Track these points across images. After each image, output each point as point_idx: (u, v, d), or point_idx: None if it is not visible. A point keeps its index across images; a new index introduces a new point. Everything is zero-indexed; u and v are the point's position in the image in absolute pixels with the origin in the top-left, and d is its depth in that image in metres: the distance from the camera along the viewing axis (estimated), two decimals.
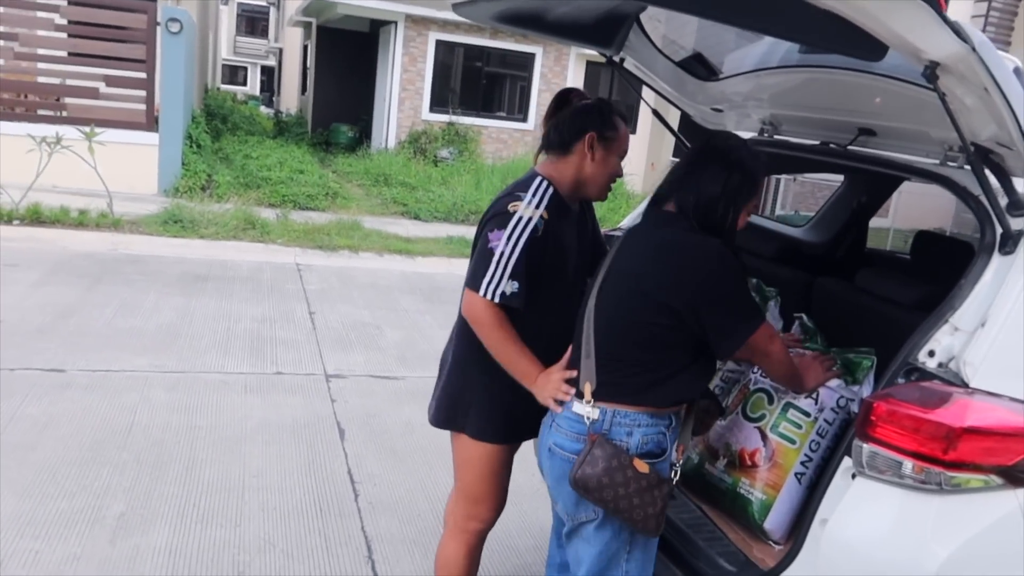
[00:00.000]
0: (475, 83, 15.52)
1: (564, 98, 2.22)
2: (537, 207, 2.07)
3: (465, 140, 14.71)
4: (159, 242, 7.66)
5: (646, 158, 15.93)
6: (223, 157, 12.52)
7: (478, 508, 2.33)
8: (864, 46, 1.57)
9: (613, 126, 2.13)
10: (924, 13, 1.38)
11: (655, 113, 2.94)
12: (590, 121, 2.12)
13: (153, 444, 3.65)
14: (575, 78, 15.67)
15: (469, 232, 9.95)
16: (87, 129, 8.19)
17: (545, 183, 2.13)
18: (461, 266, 8.65)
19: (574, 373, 1.94)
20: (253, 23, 39.81)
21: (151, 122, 9.85)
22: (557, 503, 2.01)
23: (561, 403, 1.93)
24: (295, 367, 4.83)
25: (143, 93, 9.82)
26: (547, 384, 2.01)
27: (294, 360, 4.95)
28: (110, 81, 9.79)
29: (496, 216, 2.08)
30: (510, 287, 2.02)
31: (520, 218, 2.04)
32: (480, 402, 2.21)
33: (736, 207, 1.90)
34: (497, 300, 2.02)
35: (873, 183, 3.36)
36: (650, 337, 1.84)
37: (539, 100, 15.55)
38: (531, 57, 15.56)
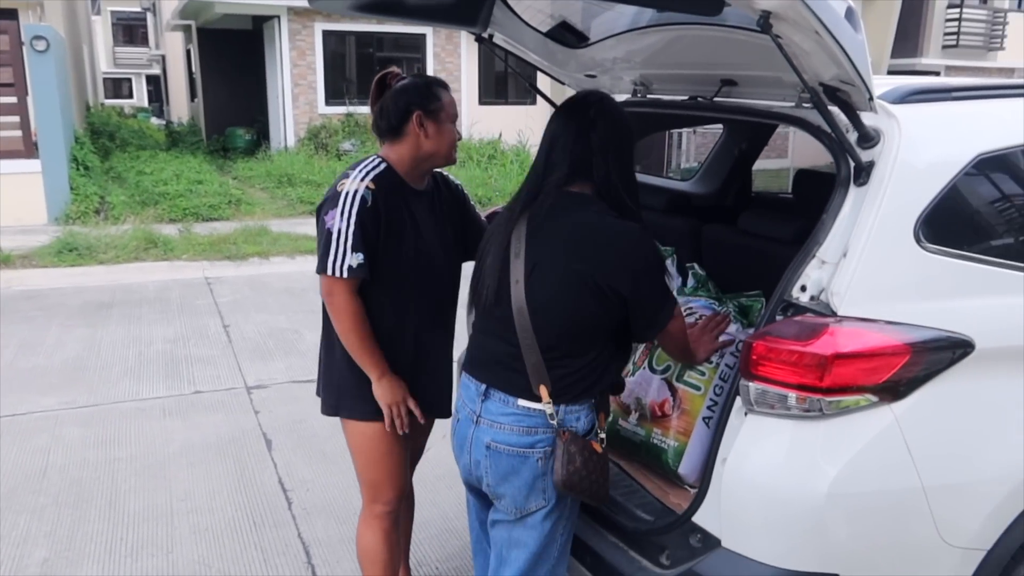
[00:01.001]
0: (369, 70, 15.28)
1: (383, 82, 2.27)
2: (362, 180, 2.13)
3: (366, 130, 14.50)
4: (55, 273, 7.35)
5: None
6: (115, 176, 12.03)
7: (378, 492, 2.34)
8: (701, 2, 1.63)
9: (436, 97, 2.20)
10: None
11: (531, 85, 2.97)
12: (413, 100, 2.17)
13: (71, 483, 3.54)
14: (468, 56, 15.63)
15: None
16: None
17: (376, 160, 2.20)
18: None
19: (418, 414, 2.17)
20: (131, 31, 38.07)
21: (30, 148, 9.39)
22: (502, 499, 1.93)
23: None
24: (214, 384, 4.73)
25: (16, 119, 9.35)
26: (392, 395, 2.17)
27: (212, 377, 4.84)
28: None
29: (328, 199, 2.14)
30: (355, 259, 2.08)
31: (347, 192, 2.10)
32: (347, 382, 2.25)
33: (621, 159, 1.88)
34: (346, 275, 2.07)
35: (749, 130, 3.47)
36: (588, 327, 1.84)
37: None
38: (422, 38, 15.42)
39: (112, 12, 37.17)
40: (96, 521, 3.24)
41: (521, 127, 14.90)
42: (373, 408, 2.22)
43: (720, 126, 3.85)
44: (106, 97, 29.39)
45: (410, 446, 2.41)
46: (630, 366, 2.49)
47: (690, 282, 2.58)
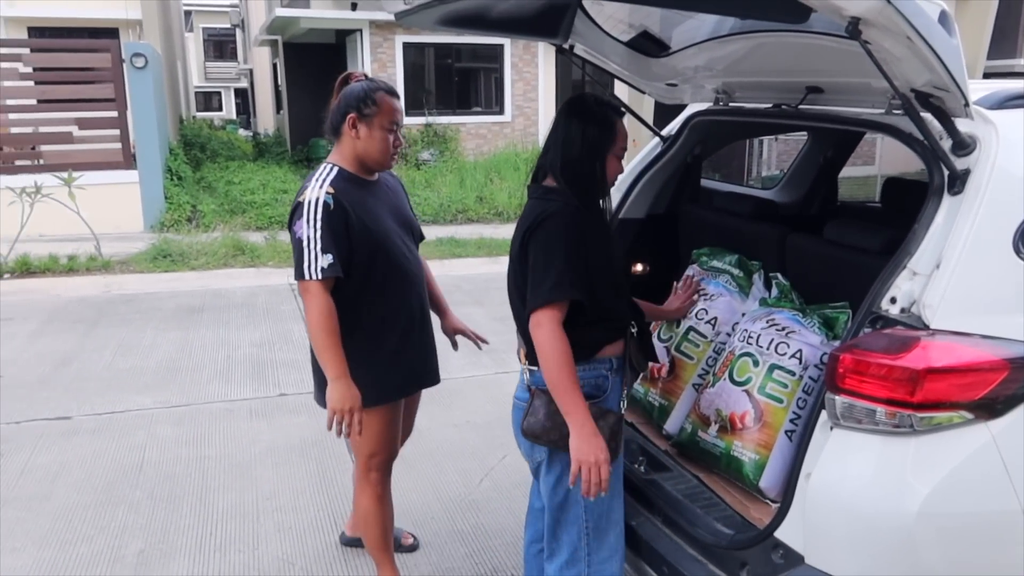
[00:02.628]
0: (448, 81, 15.54)
1: (345, 82, 2.47)
2: (320, 187, 2.31)
3: (445, 139, 14.73)
4: (151, 279, 7.71)
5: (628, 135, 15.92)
6: (205, 186, 12.54)
7: (372, 462, 2.60)
8: (787, 9, 1.61)
9: (373, 103, 2.36)
10: None
11: (611, 96, 2.97)
12: (350, 104, 2.37)
13: (165, 479, 3.71)
14: (546, 65, 15.69)
15: (459, 232, 10.00)
16: (65, 175, 8.23)
17: (328, 167, 2.40)
18: (454, 267, 8.71)
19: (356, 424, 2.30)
20: (221, 47, 39.70)
21: (129, 160, 9.89)
22: (520, 448, 2.21)
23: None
24: (298, 387, 4.88)
25: (117, 132, 9.86)
26: (345, 400, 2.29)
27: (296, 380, 5.00)
28: (82, 123, 9.83)
29: (294, 211, 2.33)
30: (325, 261, 2.25)
31: (309, 201, 2.28)
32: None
33: (600, 156, 2.05)
34: (319, 276, 2.25)
35: (835, 137, 3.39)
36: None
37: (513, 91, 15.57)
38: (500, 49, 15.56)
39: (204, 28, 38.84)
40: (187, 516, 3.39)
41: None
42: (366, 394, 2.38)
43: (804, 134, 3.77)
44: (197, 110, 30.68)
45: (402, 421, 2.68)
46: (710, 376, 2.47)
47: (774, 292, 2.54)
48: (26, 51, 10.15)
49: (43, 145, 9.77)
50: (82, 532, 3.26)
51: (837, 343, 2.26)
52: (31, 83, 9.97)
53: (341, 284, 2.34)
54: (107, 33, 12.63)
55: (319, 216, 2.27)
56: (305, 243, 2.26)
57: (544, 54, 15.73)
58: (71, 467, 3.80)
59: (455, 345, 2.94)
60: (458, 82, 15.64)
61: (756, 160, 15.10)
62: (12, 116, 9.74)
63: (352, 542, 3.16)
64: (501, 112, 15.70)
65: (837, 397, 1.70)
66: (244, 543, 3.19)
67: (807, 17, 1.69)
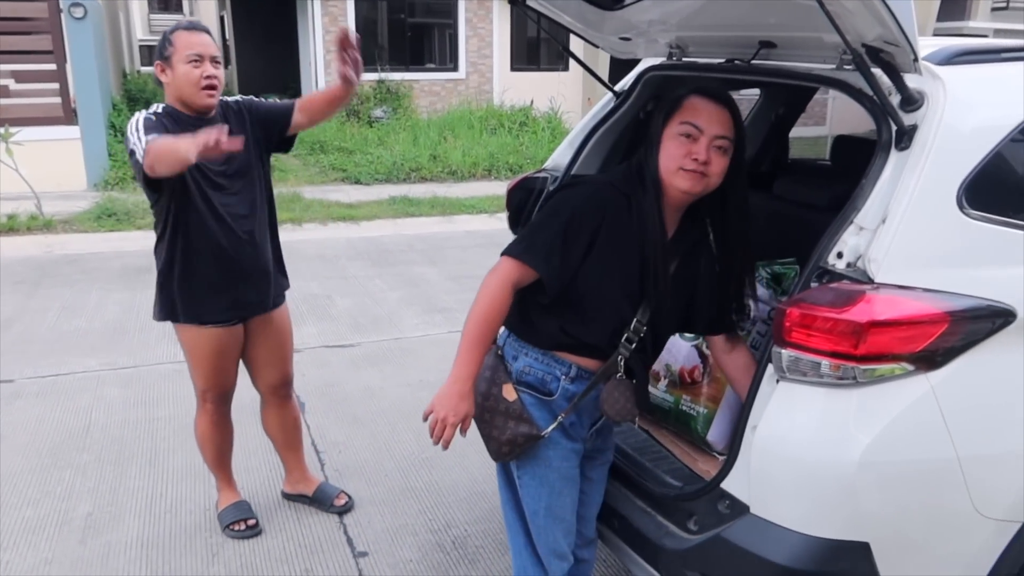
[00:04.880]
0: (401, 37, 15.20)
1: None
2: (141, 113, 2.46)
3: (398, 97, 14.46)
4: (95, 238, 7.48)
5: (582, 94, 15.84)
6: None
7: (205, 392, 2.82)
8: None
9: (169, 43, 2.50)
10: None
11: (564, 49, 2.93)
12: (156, 53, 2.54)
13: (113, 442, 3.64)
14: (501, 21, 15.44)
15: (412, 191, 9.88)
16: (1, 130, 7.89)
17: (156, 105, 2.55)
18: (407, 226, 8.63)
19: None
20: None
21: (69, 115, 9.51)
22: None
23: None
24: None
25: (56, 86, 9.45)
26: None
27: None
28: (19, 76, 9.41)
29: (126, 143, 2.44)
30: (149, 138, 2.30)
31: (133, 120, 2.42)
32: (180, 291, 2.63)
33: (659, 128, 1.86)
34: (144, 144, 2.28)
35: (787, 94, 3.40)
36: None
37: (467, 47, 15.31)
38: (454, 3, 15.25)
39: None
40: (137, 478, 3.34)
41: (553, 93, 14.75)
42: (201, 313, 2.63)
43: (754, 90, 3.78)
44: (142, 64, 29.59)
45: (242, 352, 2.83)
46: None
47: None
48: None
49: None
50: (28, 496, 3.19)
51: (785, 298, 2.29)
52: None
53: (163, 210, 2.54)
54: None
55: (140, 123, 2.38)
56: (132, 141, 2.35)
57: (499, 9, 15.46)
58: (15, 431, 3.70)
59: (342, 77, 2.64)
60: (411, 38, 15.32)
61: None
62: None
63: (294, 497, 3.17)
64: (455, 69, 15.46)
65: (783, 351, 1.72)
66: (195, 503, 3.16)
67: None
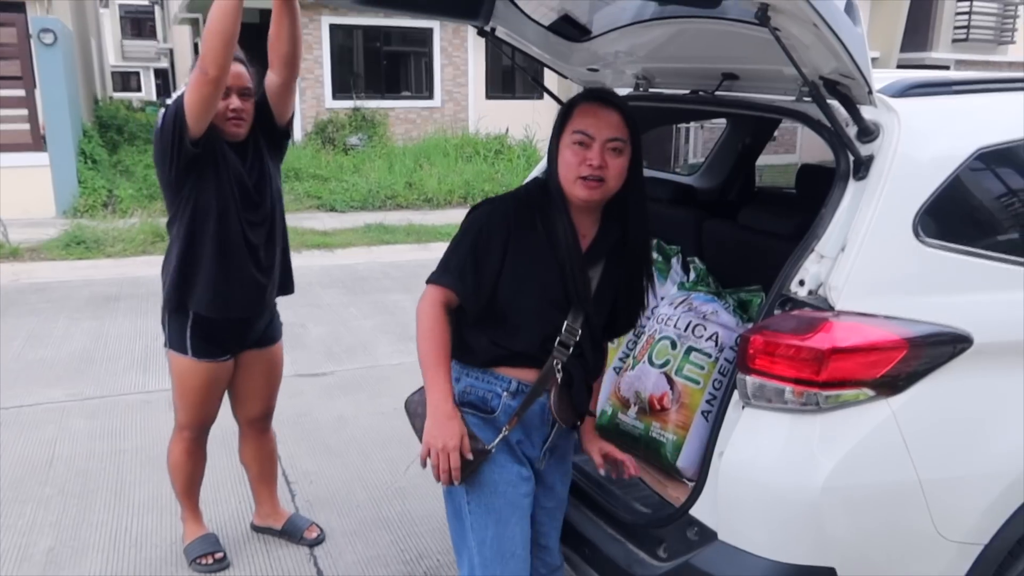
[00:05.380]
0: (376, 65, 15.29)
1: None
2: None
3: (373, 124, 14.51)
4: (63, 266, 7.39)
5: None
6: (123, 170, 12.05)
7: (181, 420, 2.77)
8: None
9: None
10: None
11: (534, 80, 2.97)
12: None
13: (77, 474, 3.57)
14: (476, 50, 15.60)
15: (387, 218, 9.89)
16: None
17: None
18: (382, 254, 8.62)
19: None
20: (139, 24, 38.14)
21: (38, 141, 9.43)
22: None
23: None
24: None
25: (25, 112, 9.38)
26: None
27: None
28: None
29: (156, 131, 2.43)
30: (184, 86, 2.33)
31: (164, 109, 2.40)
32: (172, 319, 2.60)
33: (555, 139, 1.87)
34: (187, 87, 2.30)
35: (752, 125, 3.47)
36: None
37: (443, 75, 15.43)
38: (429, 32, 15.39)
39: (120, 5, 37.24)
40: (102, 511, 3.27)
41: (528, 122, 14.88)
42: (191, 345, 2.59)
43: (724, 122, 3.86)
44: (114, 90, 29.45)
45: (229, 382, 2.78)
46: (631, 360, 2.50)
47: (691, 276, 2.58)
48: None
49: None
50: None
51: (751, 325, 2.32)
52: None
53: (182, 221, 2.48)
54: (12, 7, 11.94)
55: (172, 105, 2.37)
56: (167, 105, 2.36)
57: (474, 39, 15.63)
58: None
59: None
60: (387, 66, 15.41)
61: (682, 147, 15.39)
62: None
63: (263, 530, 3.13)
64: (431, 97, 15.55)
65: (748, 377, 1.74)
66: (161, 537, 3.10)
67: (719, 3, 1.71)
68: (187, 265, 2.53)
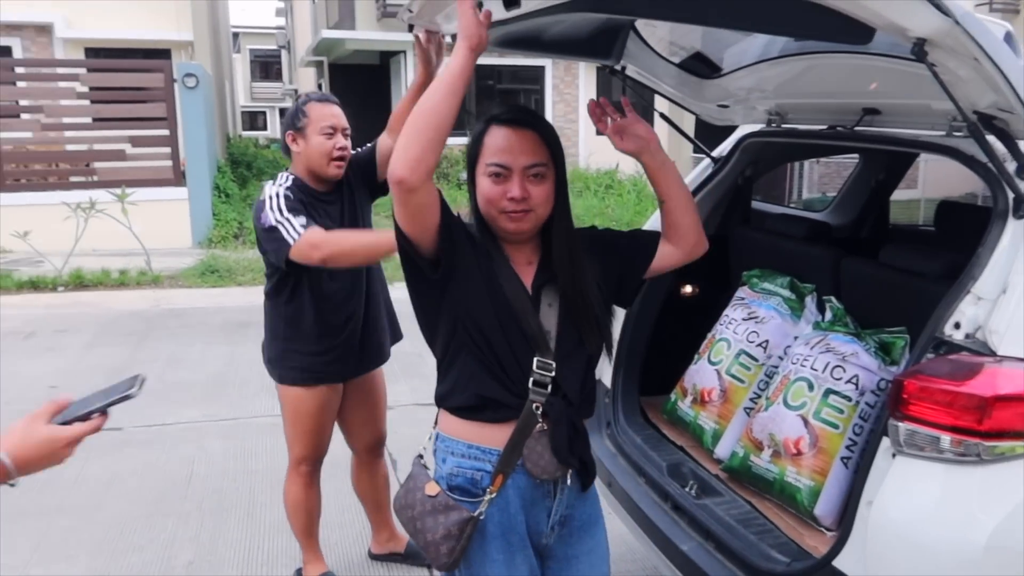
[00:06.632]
0: (489, 101, 15.66)
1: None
2: (275, 186, 2.53)
3: None
4: (198, 294, 7.87)
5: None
6: (251, 203, 12.76)
7: (297, 454, 2.82)
8: (850, 31, 1.60)
9: (303, 115, 2.59)
10: None
11: (663, 116, 2.97)
12: (287, 123, 2.63)
13: (213, 492, 3.76)
14: (586, 86, 15.75)
15: None
16: (119, 191, 8.46)
17: (284, 175, 2.62)
18: None
19: None
20: (267, 67, 40.59)
21: (179, 177, 10.14)
22: None
23: None
24: None
25: (168, 150, 10.12)
26: None
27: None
28: (135, 141, 10.12)
29: (257, 210, 2.51)
30: (299, 221, 2.41)
31: (269, 195, 2.49)
32: (284, 353, 2.69)
33: (471, 170, 1.71)
34: (303, 231, 2.39)
35: (888, 160, 3.34)
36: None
37: (554, 112, 15.64)
38: (541, 70, 15.67)
39: (251, 50, 39.78)
40: (235, 529, 3.43)
41: None
42: (304, 376, 2.67)
43: (847, 156, 3.74)
44: (243, 129, 31.33)
45: (337, 413, 2.86)
46: (763, 400, 2.43)
47: (827, 315, 2.50)
48: (83, 71, 10.50)
49: (97, 162, 10.06)
50: (133, 542, 3.32)
51: (895, 369, 2.22)
52: (87, 102, 10.28)
53: (289, 280, 2.58)
54: (160, 54, 12.98)
55: (282, 200, 2.47)
56: (276, 222, 2.43)
57: (585, 75, 15.80)
58: (123, 478, 3.88)
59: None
60: (499, 103, 15.75)
61: (797, 182, 14.93)
62: (68, 134, 10.05)
63: (382, 557, 3.20)
64: None
65: (900, 424, 1.66)
66: (290, 557, 3.21)
67: (871, 39, 1.68)
68: (299, 336, 2.68)
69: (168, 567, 3.14)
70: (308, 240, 2.38)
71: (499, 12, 1.82)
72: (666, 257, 1.85)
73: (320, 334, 2.66)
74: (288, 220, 2.41)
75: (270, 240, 2.45)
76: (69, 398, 1.33)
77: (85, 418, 1.30)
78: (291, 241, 2.39)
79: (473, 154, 1.68)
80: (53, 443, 1.26)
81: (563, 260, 1.68)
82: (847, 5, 1.49)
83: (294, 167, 2.66)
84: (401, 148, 1.49)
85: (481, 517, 1.64)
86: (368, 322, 2.79)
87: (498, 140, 1.63)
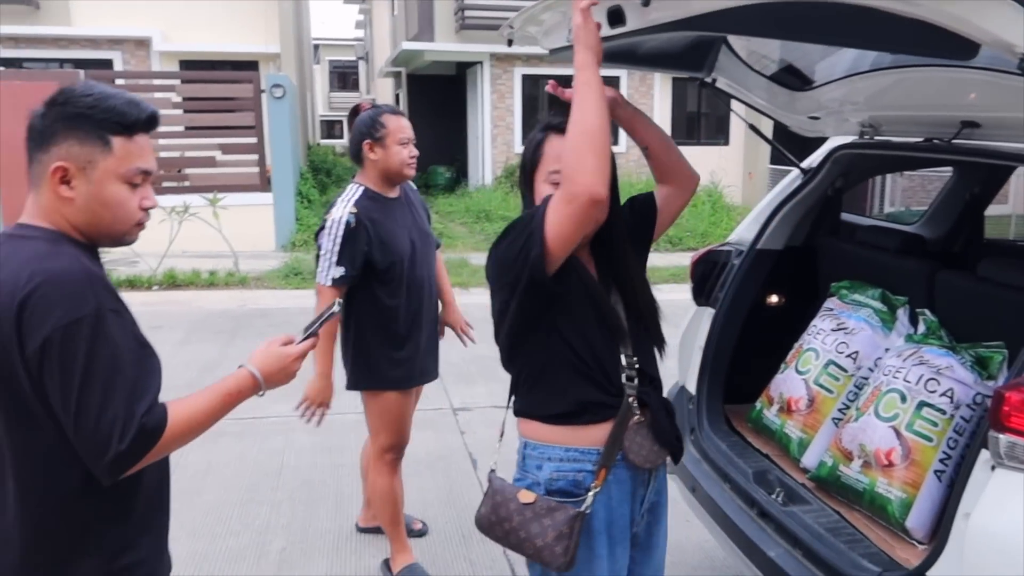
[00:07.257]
0: (565, 112, 15.73)
1: (355, 113, 2.89)
2: (344, 207, 2.71)
3: None
4: (282, 295, 8.16)
5: (743, 168, 15.68)
6: None
7: (388, 446, 2.98)
8: (954, 47, 1.62)
9: (381, 125, 2.75)
10: (1012, 10, 1.42)
11: (750, 127, 3.00)
12: (363, 132, 2.76)
13: (303, 483, 3.93)
14: (662, 95, 15.69)
15: None
16: (211, 196, 8.85)
17: (354, 187, 2.80)
18: None
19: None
20: (344, 78, 41.69)
21: (264, 183, 10.54)
22: None
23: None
24: (424, 403, 4.94)
25: (255, 157, 10.52)
26: (322, 395, 2.94)
27: (422, 397, 5.15)
28: (224, 149, 10.56)
29: (320, 229, 2.73)
30: (337, 272, 2.67)
31: (333, 220, 2.69)
32: (365, 363, 2.89)
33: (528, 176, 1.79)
34: (330, 283, 2.67)
35: (983, 174, 3.28)
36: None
37: None
38: (616, 80, 15.65)
39: (330, 61, 40.94)
40: (325, 519, 3.58)
41: (714, 167, 14.69)
42: (386, 381, 2.88)
43: (933, 169, 3.67)
44: (321, 137, 32.22)
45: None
46: (853, 410, 2.44)
47: (920, 328, 2.49)
48: (178, 82, 11.02)
49: (188, 168, 10.54)
50: (230, 527, 3.50)
51: (992, 383, 2.20)
52: (180, 112, 10.79)
53: (363, 285, 2.75)
54: (248, 66, 13.52)
55: (340, 233, 2.67)
56: (323, 255, 2.68)
57: (660, 85, 15.73)
58: (219, 466, 4.09)
59: (442, 333, 3.26)
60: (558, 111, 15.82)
61: (879, 194, 14.55)
62: (162, 142, 10.56)
63: (368, 530, 3.42)
64: (616, 143, 15.74)
65: (1001, 436, 1.66)
66: (377, 548, 3.34)
67: (975, 54, 1.68)
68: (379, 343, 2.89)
69: (262, 552, 3.31)
70: (321, 292, 2.69)
71: (603, 29, 1.89)
72: (670, 200, 1.99)
73: (405, 337, 2.89)
74: (332, 256, 2.66)
75: (317, 257, 2.71)
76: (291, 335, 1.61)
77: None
78: (319, 277, 2.70)
79: (532, 161, 1.78)
80: (285, 357, 1.61)
81: (624, 257, 1.81)
82: (955, 23, 1.51)
83: (365, 174, 2.84)
84: (592, 169, 1.55)
85: (588, 511, 1.69)
86: (431, 337, 3.04)
87: (559, 148, 1.70)
